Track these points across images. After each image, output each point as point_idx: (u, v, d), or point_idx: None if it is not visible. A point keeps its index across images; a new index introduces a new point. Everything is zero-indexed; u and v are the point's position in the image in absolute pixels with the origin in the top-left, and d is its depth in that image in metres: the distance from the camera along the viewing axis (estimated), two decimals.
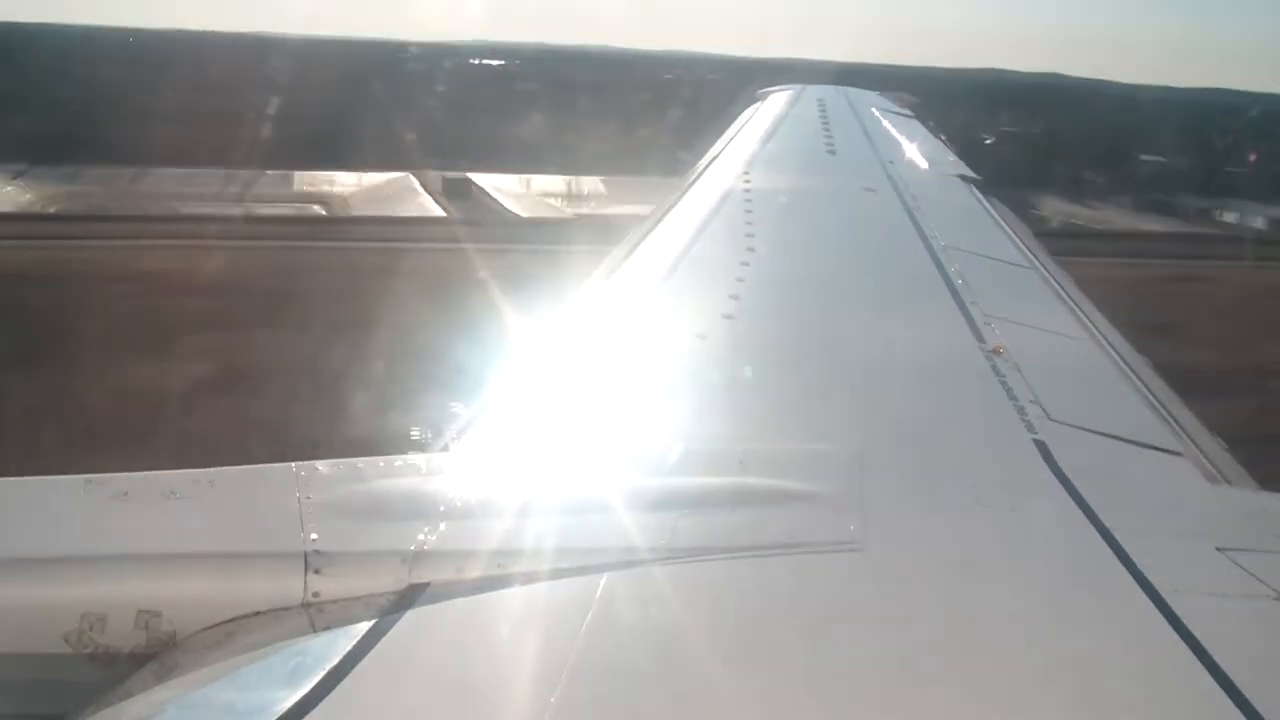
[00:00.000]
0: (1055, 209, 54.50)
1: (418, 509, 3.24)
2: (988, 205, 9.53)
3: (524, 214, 49.38)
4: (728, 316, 5.37)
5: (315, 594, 2.95)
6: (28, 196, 49.74)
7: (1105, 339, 5.89)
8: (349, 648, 2.71)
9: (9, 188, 51.39)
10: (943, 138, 13.58)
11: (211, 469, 3.33)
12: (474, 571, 3.02)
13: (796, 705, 2.60)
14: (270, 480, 3.34)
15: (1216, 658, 2.79)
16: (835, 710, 2.60)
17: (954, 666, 2.77)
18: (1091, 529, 3.46)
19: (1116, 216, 58.82)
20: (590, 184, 56.64)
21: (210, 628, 2.91)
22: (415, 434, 3.93)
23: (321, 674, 2.60)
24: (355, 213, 49.56)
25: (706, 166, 9.86)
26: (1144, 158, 71.20)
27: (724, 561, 3.14)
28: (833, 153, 10.94)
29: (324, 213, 50.37)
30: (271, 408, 18.71)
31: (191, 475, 3.28)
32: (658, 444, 3.96)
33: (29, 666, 2.90)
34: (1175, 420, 4.75)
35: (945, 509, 3.63)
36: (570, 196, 55.08)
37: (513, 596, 2.95)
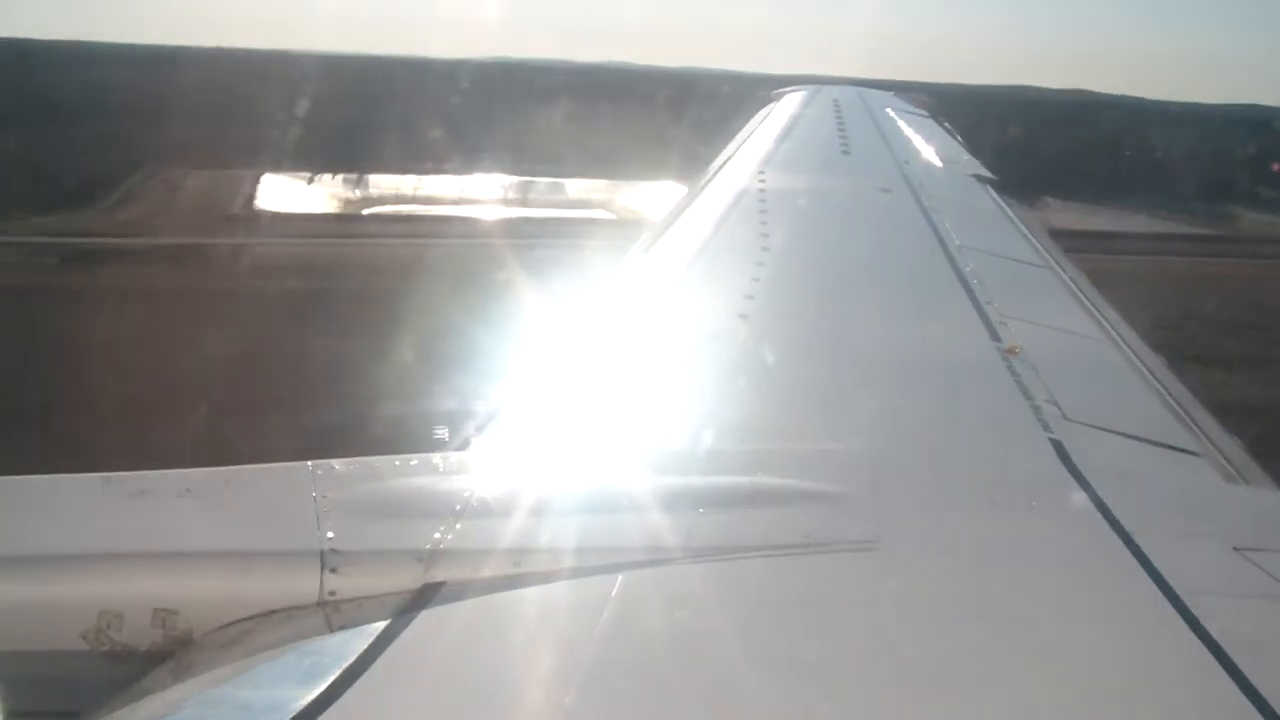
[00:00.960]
0: (1259, 222, 54.06)
1: (434, 508, 3.24)
2: (1003, 205, 9.52)
3: None
4: (743, 316, 5.37)
5: (331, 593, 2.95)
6: (356, 199, 52.02)
7: (1121, 338, 5.87)
8: (365, 646, 2.71)
9: (320, 191, 53.60)
10: (958, 138, 13.55)
11: (227, 467, 3.34)
12: (490, 570, 3.02)
13: (813, 705, 2.60)
14: (286, 479, 3.35)
15: (1234, 658, 2.78)
16: (852, 710, 2.59)
17: (970, 666, 2.77)
18: (1108, 529, 3.45)
19: None
20: None
21: (226, 626, 2.92)
22: (439, 433, 3.95)
23: (337, 673, 2.60)
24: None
25: (721, 166, 9.86)
26: None
27: (740, 561, 3.13)
28: (847, 153, 10.93)
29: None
30: None
31: (208, 474, 3.29)
32: (673, 443, 3.96)
33: (47, 663, 2.91)
34: (1192, 420, 4.74)
35: (961, 509, 3.63)
36: None
37: (529, 596, 2.95)
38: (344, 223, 46.38)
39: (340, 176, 56.18)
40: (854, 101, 14.54)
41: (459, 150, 53.74)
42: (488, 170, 55.63)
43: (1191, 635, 2.89)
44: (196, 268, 33.30)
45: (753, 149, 10.63)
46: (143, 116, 57.99)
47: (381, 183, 55.39)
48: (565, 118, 65.45)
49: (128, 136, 55.02)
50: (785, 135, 11.50)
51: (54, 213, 40.89)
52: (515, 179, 56.11)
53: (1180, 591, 3.07)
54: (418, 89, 65.91)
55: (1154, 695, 2.74)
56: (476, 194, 53.05)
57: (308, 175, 55.73)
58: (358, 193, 53.96)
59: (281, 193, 51.96)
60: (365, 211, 50.02)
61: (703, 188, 8.93)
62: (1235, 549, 3.43)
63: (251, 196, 50.53)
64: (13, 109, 58.09)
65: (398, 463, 3.51)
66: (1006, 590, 3.14)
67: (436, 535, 3.09)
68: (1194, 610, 2.98)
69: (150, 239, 38.25)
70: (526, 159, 56.66)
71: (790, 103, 13.81)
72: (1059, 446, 4.07)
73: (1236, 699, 2.66)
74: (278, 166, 53.89)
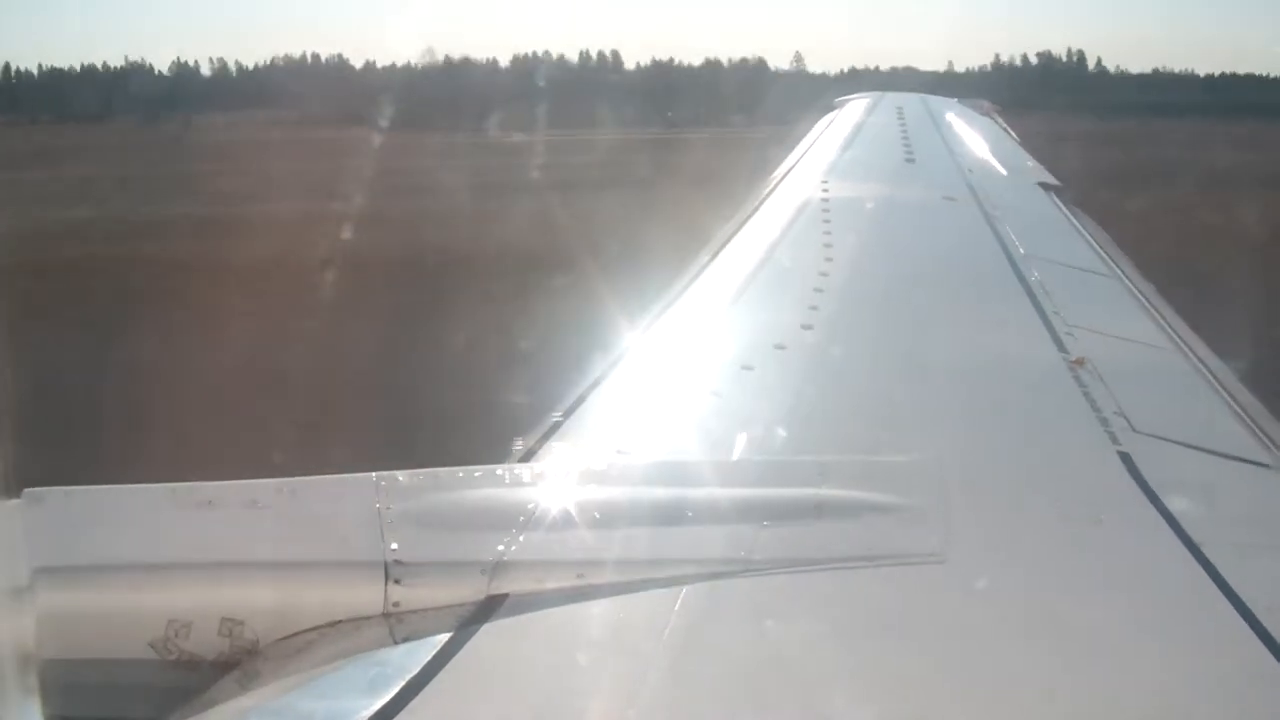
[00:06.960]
0: None
1: (498, 520, 3.25)
2: (1068, 213, 9.42)
3: None
4: (806, 327, 5.36)
5: (395, 604, 2.97)
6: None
7: (1190, 349, 5.79)
8: (428, 658, 2.72)
9: None
10: (1024, 145, 13.43)
11: (293, 479, 3.37)
12: (553, 583, 3.02)
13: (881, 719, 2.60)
14: (351, 490, 3.37)
15: None
16: None
17: (1039, 682, 2.74)
18: (1178, 542, 3.40)
19: None
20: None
21: (291, 636, 2.95)
22: (518, 445, 4.00)
23: (401, 684, 2.62)
24: None
25: (784, 175, 9.86)
26: None
27: (804, 574, 3.12)
28: (911, 161, 10.88)
29: None
30: None
31: (274, 485, 3.32)
32: (737, 455, 3.96)
33: (115, 672, 2.96)
34: (1264, 432, 4.65)
35: (1028, 521, 3.59)
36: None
37: (592, 608, 2.95)
38: None
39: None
40: (917, 108, 14.47)
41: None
42: None
43: (1265, 651, 2.84)
44: None
45: (816, 158, 10.63)
46: None
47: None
48: None
49: None
50: (848, 144, 11.49)
51: None
52: None
53: (1254, 606, 3.01)
54: None
55: (1229, 714, 2.70)
56: None
57: None
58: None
59: None
60: None
61: (766, 197, 8.93)
62: None
63: None
64: None
65: (461, 474, 3.53)
66: (1075, 605, 3.10)
67: (500, 547, 3.10)
68: (1269, 626, 2.93)
69: None
70: None
71: (853, 110, 13.78)
72: (1127, 459, 4.01)
73: None
74: None
